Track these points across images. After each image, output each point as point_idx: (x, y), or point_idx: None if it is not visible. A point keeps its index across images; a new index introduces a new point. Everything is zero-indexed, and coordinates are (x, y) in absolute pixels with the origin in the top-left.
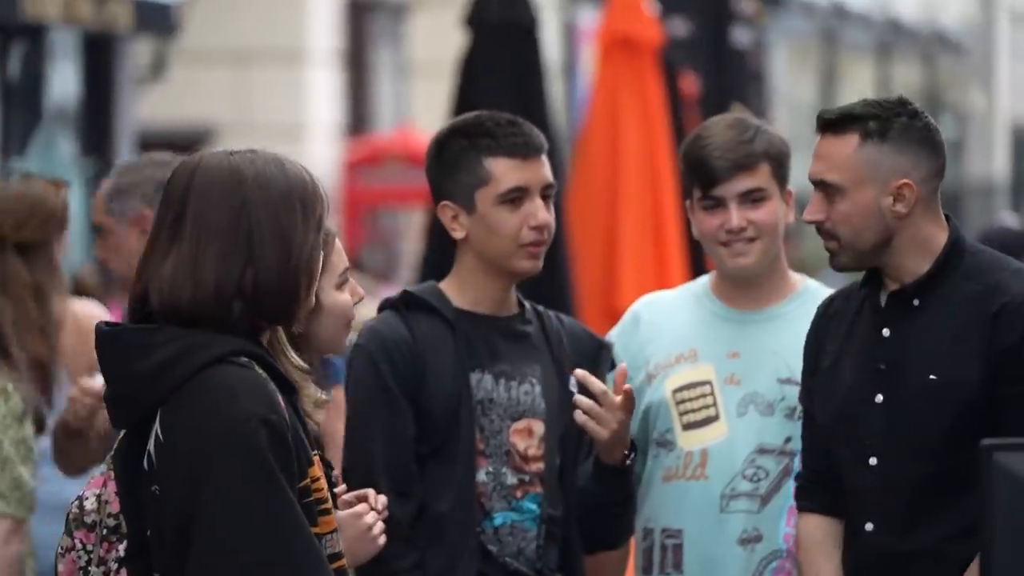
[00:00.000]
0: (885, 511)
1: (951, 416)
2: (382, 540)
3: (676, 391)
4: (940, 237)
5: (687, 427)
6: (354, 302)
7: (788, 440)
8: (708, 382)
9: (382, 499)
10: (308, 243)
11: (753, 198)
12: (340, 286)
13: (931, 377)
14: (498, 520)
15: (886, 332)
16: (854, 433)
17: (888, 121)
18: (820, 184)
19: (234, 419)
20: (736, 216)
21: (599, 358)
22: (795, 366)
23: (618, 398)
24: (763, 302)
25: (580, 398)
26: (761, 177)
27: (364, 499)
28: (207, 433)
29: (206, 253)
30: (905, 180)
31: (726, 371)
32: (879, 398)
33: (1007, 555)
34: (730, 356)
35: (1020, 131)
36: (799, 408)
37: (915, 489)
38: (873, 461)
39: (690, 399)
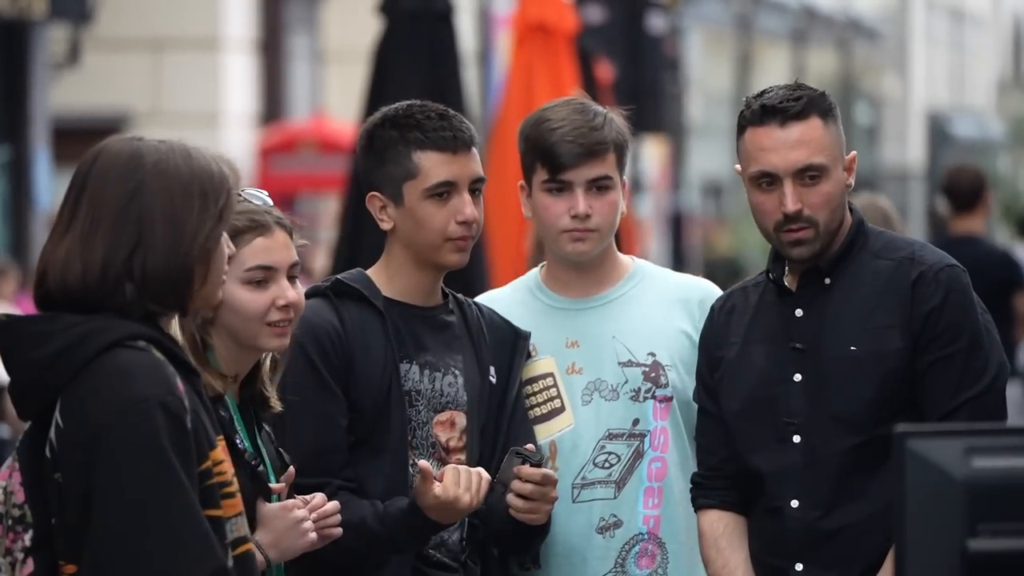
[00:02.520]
0: (811, 487)
1: (874, 386)
2: (312, 536)
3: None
4: (848, 216)
5: (534, 421)
6: (281, 303)
7: (636, 423)
8: (550, 374)
9: (331, 506)
10: (204, 232)
11: (599, 185)
12: (247, 282)
13: (851, 349)
14: None
15: (799, 312)
16: (771, 414)
17: (828, 99)
18: (800, 172)
19: (129, 401)
20: (583, 203)
21: (516, 347)
22: (634, 348)
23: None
24: (596, 288)
25: (521, 489)
26: (608, 165)
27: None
28: (102, 415)
29: (96, 234)
30: (854, 153)
31: (566, 361)
32: (797, 377)
33: (921, 541)
34: (569, 346)
35: (935, 117)
36: (644, 388)
37: (841, 463)
38: (797, 439)
39: (534, 393)
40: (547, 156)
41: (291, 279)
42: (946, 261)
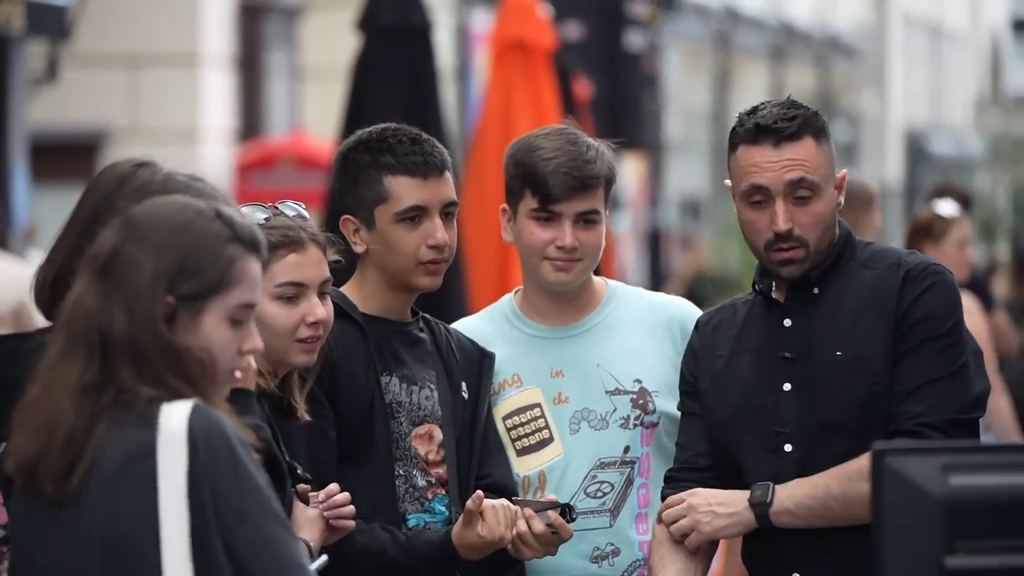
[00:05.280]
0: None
1: (862, 391)
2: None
3: (506, 418)
4: (836, 229)
5: (522, 452)
6: (311, 320)
7: (627, 450)
8: (537, 404)
9: (342, 497)
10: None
11: (587, 219)
12: (277, 297)
13: (837, 354)
14: (411, 522)
15: (787, 323)
16: (761, 423)
17: (820, 119)
18: (792, 188)
19: None
20: (570, 235)
21: (483, 366)
22: (620, 375)
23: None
24: (575, 316)
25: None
26: (598, 199)
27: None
28: None
29: (56, 254)
30: (843, 172)
31: (553, 391)
32: (787, 386)
33: (899, 558)
34: (554, 375)
35: (913, 135)
36: (634, 416)
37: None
38: (788, 448)
39: (522, 424)
40: (538, 186)
41: (322, 295)
42: (931, 261)
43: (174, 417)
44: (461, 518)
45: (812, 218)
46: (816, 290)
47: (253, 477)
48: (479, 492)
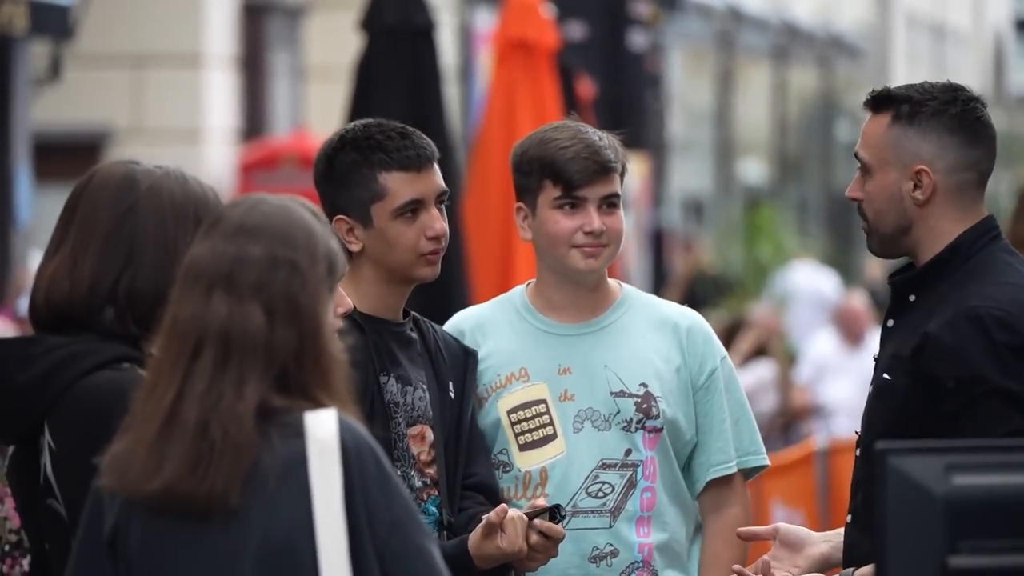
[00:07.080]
0: (854, 505)
1: (884, 421)
2: None
3: (511, 411)
4: (938, 234)
5: (524, 447)
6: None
7: (629, 452)
8: (543, 400)
9: None
10: None
11: (609, 203)
12: None
13: (884, 377)
14: None
15: (890, 323)
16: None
17: (920, 104)
18: (859, 160)
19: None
20: (597, 219)
21: (467, 365)
22: (626, 378)
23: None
24: (588, 314)
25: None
26: (616, 184)
27: None
28: (105, 434)
29: (86, 254)
30: (922, 166)
31: (559, 388)
32: (870, 388)
33: (901, 558)
34: (561, 372)
35: None
36: (636, 420)
37: (864, 489)
38: (858, 452)
39: (526, 419)
40: (560, 174)
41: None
42: (971, 303)
43: (321, 427)
44: (479, 528)
45: (866, 195)
46: (912, 297)
47: (400, 489)
48: (503, 505)
